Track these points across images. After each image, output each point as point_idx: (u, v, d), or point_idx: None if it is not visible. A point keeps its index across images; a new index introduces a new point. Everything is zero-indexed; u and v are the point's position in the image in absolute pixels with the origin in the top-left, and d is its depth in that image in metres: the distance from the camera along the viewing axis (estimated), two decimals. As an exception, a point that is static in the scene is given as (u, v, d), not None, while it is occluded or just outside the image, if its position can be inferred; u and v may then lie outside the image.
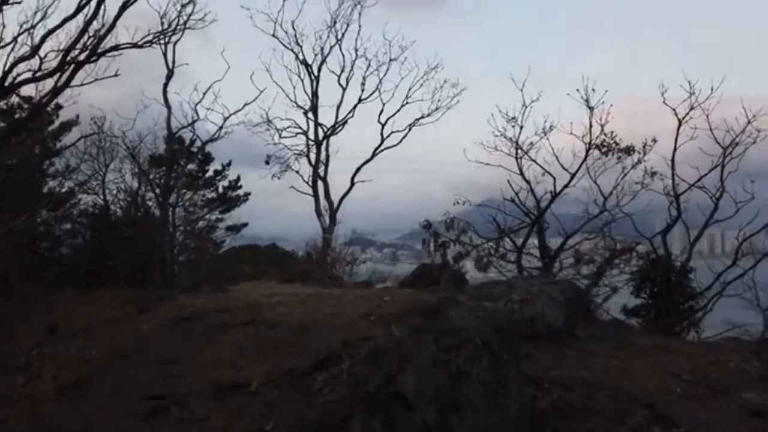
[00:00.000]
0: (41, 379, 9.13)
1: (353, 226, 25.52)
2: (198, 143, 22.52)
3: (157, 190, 22.44)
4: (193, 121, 20.17)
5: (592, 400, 5.21)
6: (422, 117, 20.40)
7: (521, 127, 14.32)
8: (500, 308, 7.02)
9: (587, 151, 13.70)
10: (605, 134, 13.65)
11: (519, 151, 14.37)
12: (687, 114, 12.90)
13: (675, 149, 13.09)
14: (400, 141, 20.76)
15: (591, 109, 13.49)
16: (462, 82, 20.26)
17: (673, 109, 12.95)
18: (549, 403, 5.18)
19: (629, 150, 13.62)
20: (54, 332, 15.00)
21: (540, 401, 5.18)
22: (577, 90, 13.60)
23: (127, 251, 26.53)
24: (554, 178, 13.95)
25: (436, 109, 20.28)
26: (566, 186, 13.90)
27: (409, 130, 20.65)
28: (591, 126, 13.57)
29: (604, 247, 14.44)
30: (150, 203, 28.83)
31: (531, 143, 14.24)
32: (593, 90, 13.51)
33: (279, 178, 21.61)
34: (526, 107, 14.23)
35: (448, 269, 14.52)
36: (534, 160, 14.21)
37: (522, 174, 14.48)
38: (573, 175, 13.79)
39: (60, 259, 28.79)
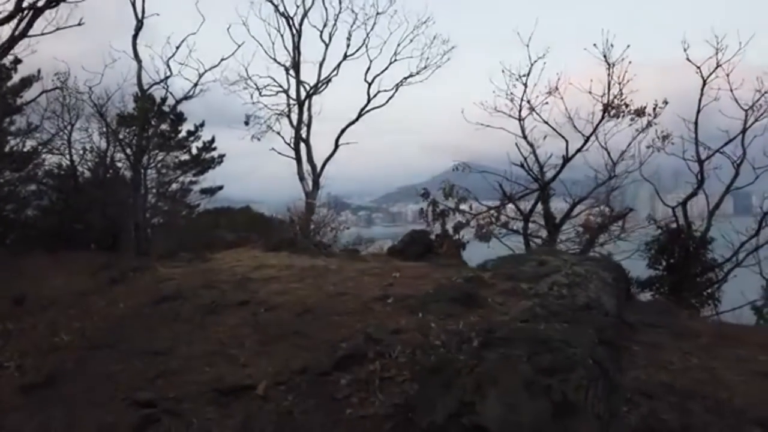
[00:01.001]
0: (3, 368, 7.83)
1: (328, 190, 24.24)
2: (170, 101, 20.65)
3: (128, 151, 20.80)
4: (166, 77, 18.54)
5: (690, 416, 4.18)
6: (410, 75, 19.11)
7: (525, 86, 13.19)
8: (545, 292, 5.93)
9: (604, 112, 12.61)
10: (620, 94, 12.54)
11: (523, 112, 13.27)
12: (712, 73, 11.84)
13: (698, 111, 12.10)
14: (387, 101, 19.46)
15: (611, 65, 12.35)
16: (452, 39, 19.06)
17: (698, 67, 11.88)
18: (639, 419, 4.13)
19: (640, 112, 12.60)
20: (21, 303, 13.72)
21: (628, 417, 4.13)
22: (595, 45, 12.46)
23: (96, 214, 25.06)
24: (566, 141, 12.91)
25: (425, 67, 19.01)
26: (579, 150, 12.86)
27: (397, 89, 19.36)
28: (610, 85, 12.48)
29: (599, 214, 13.54)
30: (120, 164, 27.31)
31: (545, 102, 13.03)
32: (612, 45, 12.38)
33: (259, 140, 20.22)
34: (533, 64, 13.09)
35: (448, 239, 13.48)
36: (546, 121, 13.13)
37: (525, 137, 13.42)
38: (587, 138, 12.77)
39: (26, 221, 27.22)
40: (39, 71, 22.90)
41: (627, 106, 12.46)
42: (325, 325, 6.39)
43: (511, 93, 13.33)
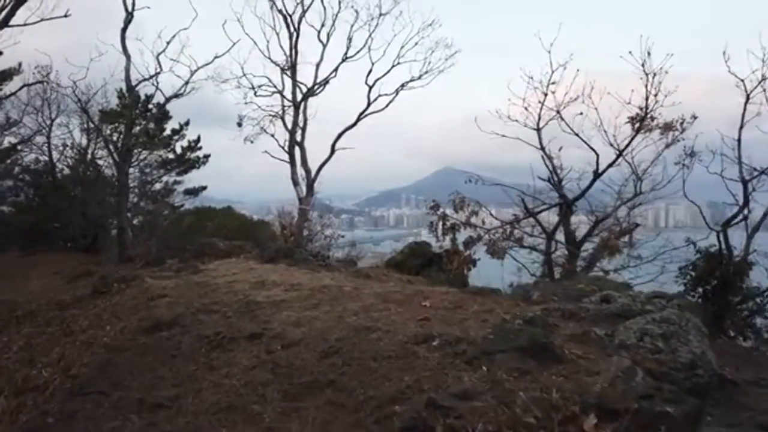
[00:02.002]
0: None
1: None
2: (158, 98, 19.21)
3: (112, 150, 19.38)
4: (156, 74, 17.13)
5: None
6: (412, 80, 17.98)
7: (545, 94, 12.16)
8: (633, 344, 4.85)
9: (636, 125, 11.59)
10: (655, 104, 11.52)
11: (541, 121, 12.22)
12: (757, 86, 10.77)
13: (741, 127, 11.00)
14: (387, 105, 18.28)
15: (651, 75, 11.30)
16: (456, 44, 17.99)
17: (741, 80, 10.86)
18: None
19: (669, 126, 11.64)
20: (-8, 313, 12.45)
21: None
22: (630, 52, 11.44)
23: (75, 213, 23.69)
24: (597, 155, 11.86)
25: (427, 72, 17.92)
26: (611, 164, 11.86)
27: (397, 93, 18.20)
28: (648, 95, 11.46)
29: (603, 230, 12.60)
30: (101, 162, 25.91)
31: (579, 113, 11.88)
32: (648, 54, 11.37)
33: (252, 142, 18.82)
34: (554, 71, 12.06)
35: (458, 255, 12.41)
36: (576, 133, 12.03)
37: (542, 147, 12.37)
38: (621, 152, 11.75)
39: (1, 218, 25.78)
40: (20, 64, 21.45)
41: (653, 119, 11.53)
42: (363, 375, 5.22)
43: (528, 102, 12.32)
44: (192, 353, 6.48)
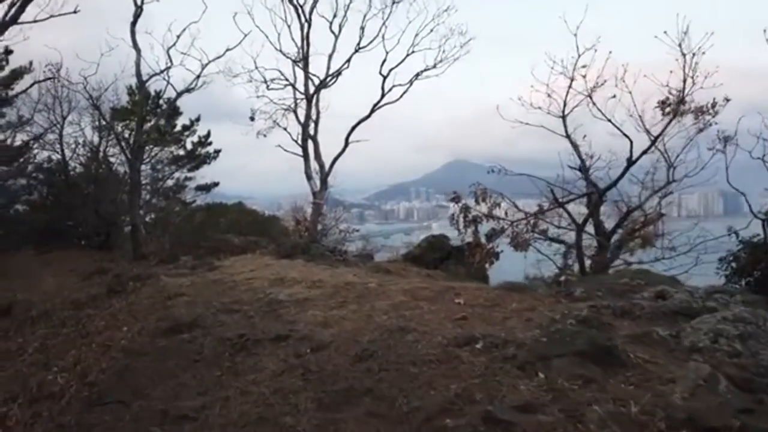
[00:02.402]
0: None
1: None
2: (169, 93, 18.70)
3: (125, 147, 18.93)
4: (167, 68, 16.60)
5: None
6: (427, 69, 17.34)
7: (572, 79, 11.58)
8: (708, 346, 4.34)
9: (676, 108, 10.97)
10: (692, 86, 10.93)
11: (566, 108, 11.64)
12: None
13: (786, 109, 10.43)
14: (401, 96, 17.62)
15: (689, 55, 10.65)
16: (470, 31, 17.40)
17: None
18: None
19: (702, 110, 11.05)
20: (8, 313, 12.11)
21: None
22: (666, 32, 10.80)
23: (88, 211, 23.36)
24: (631, 142, 11.24)
25: (441, 60, 17.29)
26: (645, 151, 11.25)
27: (411, 84, 17.55)
28: (685, 78, 10.84)
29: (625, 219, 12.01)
30: (113, 160, 25.57)
31: (612, 96, 11.16)
32: (685, 33, 10.74)
33: (265, 136, 18.27)
34: (580, 55, 11.44)
35: (480, 248, 11.90)
36: (609, 119, 11.39)
37: (568, 135, 11.79)
38: (656, 138, 11.16)
39: (15, 217, 25.48)
40: (31, 63, 21.04)
41: (684, 103, 10.94)
42: (403, 382, 4.74)
43: (551, 88, 11.74)
44: (215, 357, 6.02)
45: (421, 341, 5.51)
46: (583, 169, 11.64)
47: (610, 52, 11.13)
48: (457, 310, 6.48)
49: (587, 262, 11.75)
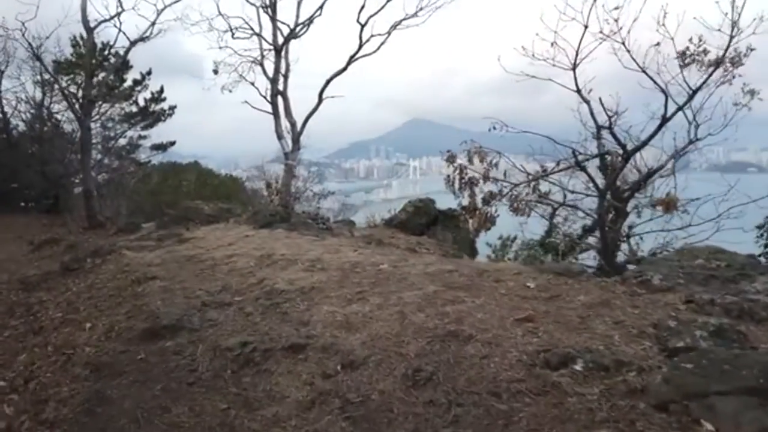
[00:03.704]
0: None
1: (278, 144, 20.85)
2: (119, 42, 16.34)
3: (72, 101, 16.65)
4: (118, 13, 14.31)
5: None
6: (407, 17, 15.54)
7: (586, 27, 10.10)
8: None
9: (723, 56, 9.60)
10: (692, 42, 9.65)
11: (578, 59, 10.18)
12: None
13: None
14: (379, 47, 15.80)
15: None
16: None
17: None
18: None
19: (719, 62, 9.78)
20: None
21: None
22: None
23: (33, 172, 21.12)
24: (666, 95, 9.83)
25: (420, 9, 15.53)
26: (681, 107, 9.89)
27: (389, 34, 15.74)
28: (734, 24, 9.39)
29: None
30: (59, 117, 23.18)
31: (656, 43, 9.69)
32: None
33: (230, 91, 16.25)
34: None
35: (477, 212, 10.54)
36: (644, 70, 9.84)
37: (579, 90, 10.38)
38: (694, 92, 9.81)
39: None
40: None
41: (706, 53, 9.68)
42: (493, 427, 3.35)
43: (554, 40, 10.26)
44: (214, 378, 4.47)
45: (491, 356, 4.11)
46: (607, 126, 10.28)
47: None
48: (512, 305, 5.10)
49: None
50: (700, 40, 9.63)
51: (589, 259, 13.25)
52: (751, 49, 9.57)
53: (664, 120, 9.87)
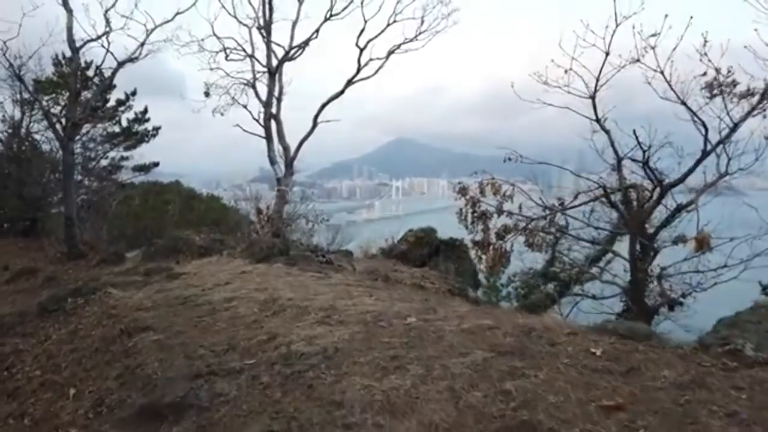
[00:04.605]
0: None
1: (259, 163, 20.08)
2: (106, 62, 15.21)
3: (54, 121, 15.57)
4: (105, 33, 13.30)
5: None
6: (406, 41, 14.76)
7: (607, 54, 9.40)
8: None
9: (729, 90, 8.97)
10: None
11: (598, 86, 9.46)
12: None
13: None
14: (377, 71, 14.97)
15: None
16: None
17: None
18: None
19: (746, 94, 9.13)
20: None
21: None
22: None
23: (10, 193, 19.98)
24: (706, 128, 9.08)
25: (420, 33, 14.78)
26: (723, 141, 9.16)
27: (388, 57, 14.94)
28: None
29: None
30: (38, 137, 22.07)
31: (703, 74, 8.97)
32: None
33: (222, 114, 15.29)
34: (619, 24, 9.22)
35: (491, 248, 9.70)
36: (684, 102, 9.08)
37: (598, 119, 9.65)
38: (736, 126, 9.10)
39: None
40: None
41: (735, 84, 9.04)
42: None
43: (570, 66, 9.56)
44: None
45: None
46: (643, 159, 9.52)
47: (691, 17, 8.78)
48: (585, 382, 4.23)
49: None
50: (729, 71, 9.00)
51: (594, 288, 12.58)
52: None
53: (705, 154, 9.18)
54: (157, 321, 6.94)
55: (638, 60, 8.97)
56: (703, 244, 9.44)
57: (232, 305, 7.28)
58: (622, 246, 12.01)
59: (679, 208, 9.64)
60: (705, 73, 8.99)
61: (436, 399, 4.14)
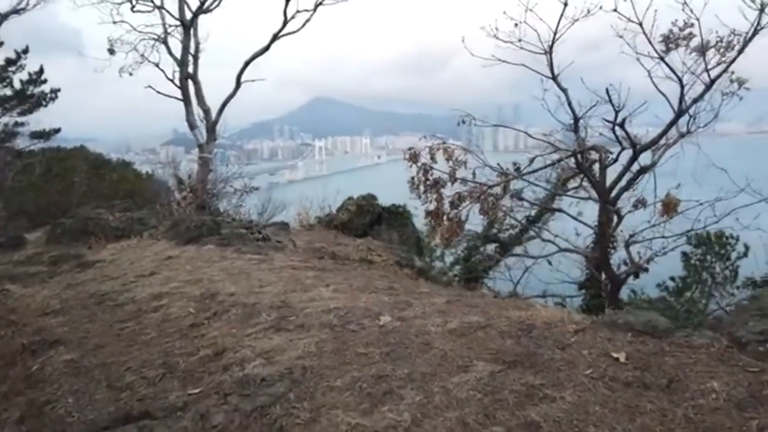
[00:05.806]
0: None
1: (173, 125, 18.26)
2: None
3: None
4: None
5: None
6: (335, -6, 13.31)
7: (565, 5, 8.51)
8: None
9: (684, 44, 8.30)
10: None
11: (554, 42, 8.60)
12: None
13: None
14: (304, 24, 13.50)
15: None
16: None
17: None
18: None
19: (705, 48, 8.53)
20: None
21: None
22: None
23: None
24: (682, 85, 8.34)
25: (348, -17, 13.39)
26: (698, 99, 8.47)
27: (315, 9, 13.47)
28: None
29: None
30: None
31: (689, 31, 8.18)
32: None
33: (130, 74, 13.37)
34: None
35: (445, 217, 8.81)
36: (662, 57, 8.31)
37: (554, 77, 8.82)
38: (713, 81, 8.43)
39: None
40: None
41: (691, 35, 8.39)
42: None
43: (523, 21, 8.63)
44: None
45: None
46: (613, 122, 8.77)
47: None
48: (623, 403, 3.36)
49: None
50: (685, 24, 8.37)
51: (533, 247, 12.17)
52: (735, 34, 8.35)
53: (680, 113, 8.55)
54: (68, 330, 5.64)
55: (628, 18, 8.11)
56: (670, 208, 8.96)
57: (162, 304, 6.05)
58: (562, 204, 11.55)
59: (643, 171, 9.08)
60: (691, 25, 8.32)
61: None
